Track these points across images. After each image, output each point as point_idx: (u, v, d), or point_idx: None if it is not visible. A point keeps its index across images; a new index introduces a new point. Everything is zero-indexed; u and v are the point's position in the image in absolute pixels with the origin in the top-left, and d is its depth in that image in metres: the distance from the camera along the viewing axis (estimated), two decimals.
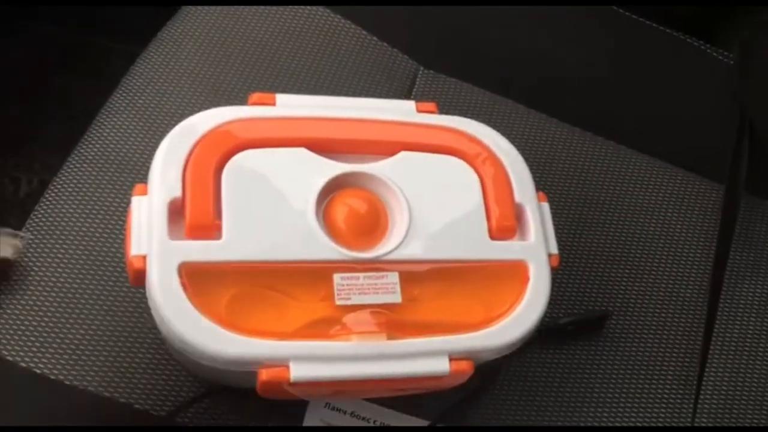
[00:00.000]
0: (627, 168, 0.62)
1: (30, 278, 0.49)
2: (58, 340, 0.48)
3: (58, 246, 0.51)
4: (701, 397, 0.56)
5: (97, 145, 0.54)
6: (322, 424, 0.49)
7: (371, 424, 0.50)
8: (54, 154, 0.58)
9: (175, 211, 0.41)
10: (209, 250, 0.40)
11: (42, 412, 0.47)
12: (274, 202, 0.42)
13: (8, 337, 0.48)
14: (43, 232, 0.51)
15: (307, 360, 0.40)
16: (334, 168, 0.44)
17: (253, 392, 0.41)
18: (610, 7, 0.69)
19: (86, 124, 0.56)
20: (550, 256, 0.46)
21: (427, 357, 0.41)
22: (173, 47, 0.58)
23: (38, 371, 0.47)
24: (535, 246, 0.45)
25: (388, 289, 0.42)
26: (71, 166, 0.54)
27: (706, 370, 0.57)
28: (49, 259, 0.50)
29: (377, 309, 0.42)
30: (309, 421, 0.49)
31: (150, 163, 0.42)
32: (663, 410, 0.55)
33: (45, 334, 0.48)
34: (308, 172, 0.43)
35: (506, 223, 0.45)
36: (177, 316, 0.39)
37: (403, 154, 0.45)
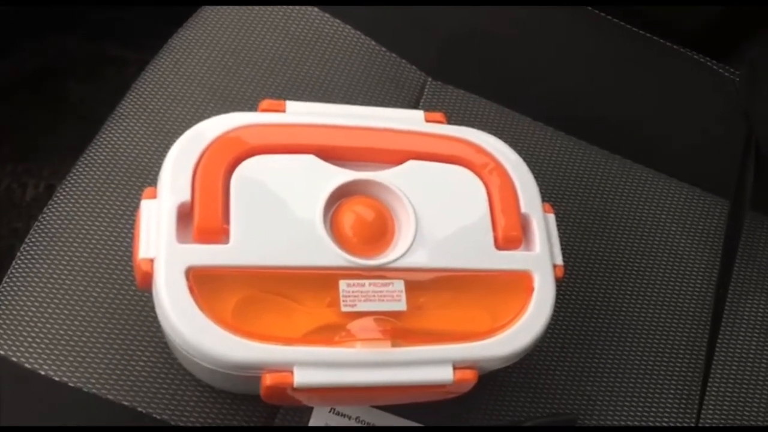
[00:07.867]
0: (632, 182, 0.62)
1: (37, 280, 0.50)
2: (63, 342, 0.48)
3: (65, 248, 0.51)
4: (703, 412, 0.56)
5: (107, 149, 0.54)
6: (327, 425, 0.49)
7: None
8: (64, 161, 0.58)
9: (184, 215, 0.41)
10: (217, 254, 0.40)
11: (46, 414, 0.47)
12: (281, 207, 0.42)
13: (14, 338, 0.48)
14: (50, 234, 0.51)
15: (311, 366, 0.40)
16: (342, 175, 0.44)
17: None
18: (618, 22, 0.69)
19: (97, 132, 0.56)
20: (555, 266, 0.46)
21: (431, 365, 0.41)
22: (184, 53, 0.58)
23: (42, 373, 0.47)
24: (541, 256, 0.45)
25: (393, 297, 0.42)
26: (80, 169, 0.54)
27: (709, 385, 0.56)
28: (56, 262, 0.50)
29: (382, 316, 0.42)
30: (314, 422, 0.49)
31: (159, 167, 0.42)
32: (666, 419, 0.55)
33: (51, 336, 0.48)
34: (316, 179, 0.43)
35: (512, 234, 0.45)
36: (183, 319, 0.39)
37: (410, 163, 0.46)
